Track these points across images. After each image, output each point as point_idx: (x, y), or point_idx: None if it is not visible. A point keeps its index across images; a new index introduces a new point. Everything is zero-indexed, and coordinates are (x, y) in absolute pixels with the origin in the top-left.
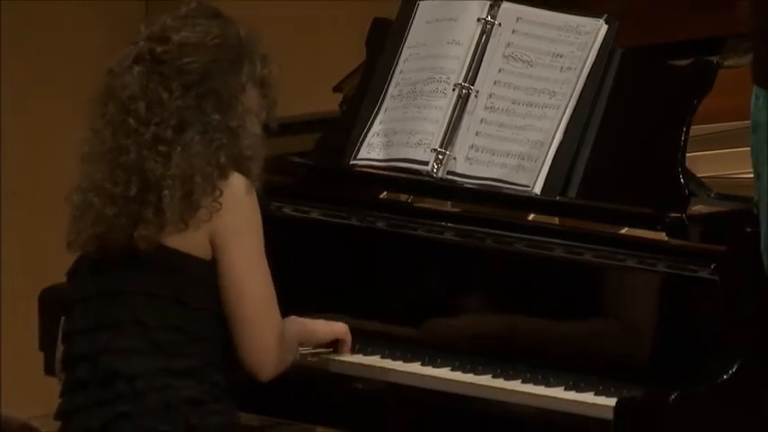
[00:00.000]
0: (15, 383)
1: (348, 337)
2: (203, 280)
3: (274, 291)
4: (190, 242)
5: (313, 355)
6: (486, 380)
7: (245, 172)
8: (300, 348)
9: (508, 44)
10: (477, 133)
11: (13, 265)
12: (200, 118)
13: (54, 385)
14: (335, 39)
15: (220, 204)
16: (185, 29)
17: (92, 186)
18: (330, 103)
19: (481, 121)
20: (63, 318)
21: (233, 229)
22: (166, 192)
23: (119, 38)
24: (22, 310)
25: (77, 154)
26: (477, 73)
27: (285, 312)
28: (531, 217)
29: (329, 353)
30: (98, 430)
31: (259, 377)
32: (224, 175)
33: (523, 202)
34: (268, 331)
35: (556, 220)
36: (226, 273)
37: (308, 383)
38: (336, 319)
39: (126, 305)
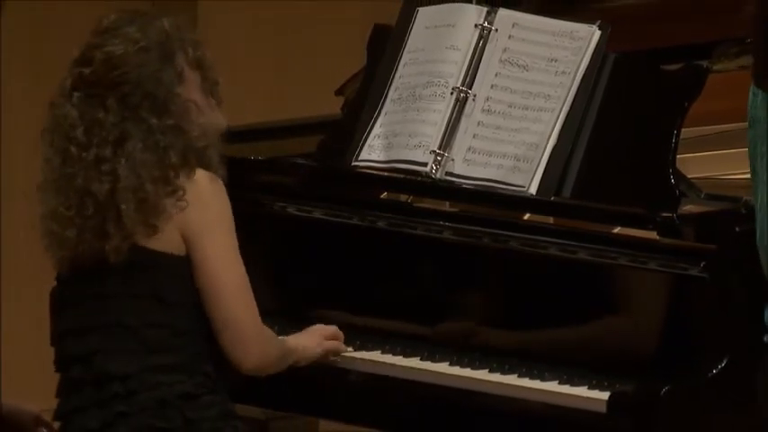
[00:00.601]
0: (20, 377)
1: (337, 344)
2: (180, 275)
3: (249, 283)
4: (163, 241)
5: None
6: (482, 374)
7: (204, 163)
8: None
9: (505, 49)
10: (474, 135)
11: (16, 262)
12: (138, 126)
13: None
14: (335, 38)
15: (187, 202)
16: (107, 44)
17: (48, 213)
18: (331, 105)
19: (478, 123)
20: (52, 320)
21: (203, 225)
22: (123, 206)
23: None
24: (24, 307)
25: None
26: (475, 77)
27: (287, 307)
28: (526, 216)
29: None
30: (97, 431)
31: (242, 368)
32: (187, 173)
33: (519, 202)
34: (245, 323)
35: (551, 220)
36: (200, 269)
37: (312, 377)
38: (337, 316)
39: (109, 308)
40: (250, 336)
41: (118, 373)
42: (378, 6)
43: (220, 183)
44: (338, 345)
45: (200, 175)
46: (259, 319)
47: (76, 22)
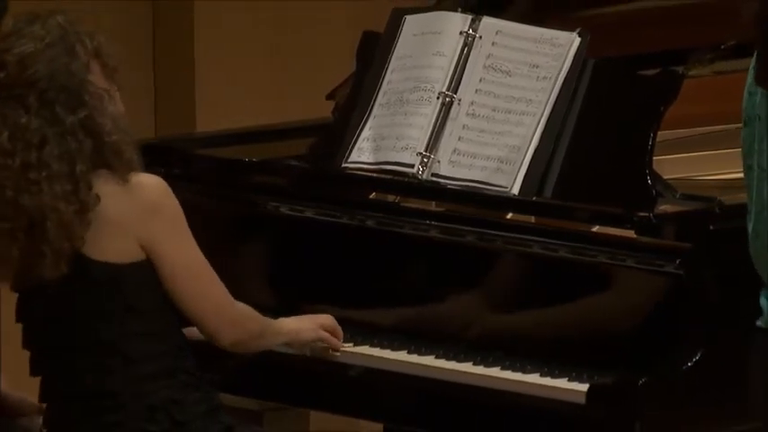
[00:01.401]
0: (20, 371)
1: (331, 339)
2: (145, 281)
3: (212, 270)
4: (122, 253)
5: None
6: (467, 367)
7: (118, 157)
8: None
9: (488, 55)
10: (459, 138)
11: None
12: (55, 129)
13: None
14: (332, 38)
15: (135, 212)
16: (16, 45)
17: None
18: (328, 104)
19: (463, 126)
20: (27, 343)
21: (162, 232)
22: (48, 224)
23: (126, 38)
24: None
25: None
26: (460, 82)
27: (280, 302)
28: (509, 216)
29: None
30: None
31: (221, 344)
32: (88, 183)
33: (502, 202)
34: (220, 306)
35: (532, 219)
36: (166, 272)
37: (304, 370)
38: (327, 311)
39: (84, 327)
40: (222, 317)
41: (105, 391)
42: (375, 6)
43: (163, 181)
44: (334, 339)
45: (145, 180)
46: (228, 299)
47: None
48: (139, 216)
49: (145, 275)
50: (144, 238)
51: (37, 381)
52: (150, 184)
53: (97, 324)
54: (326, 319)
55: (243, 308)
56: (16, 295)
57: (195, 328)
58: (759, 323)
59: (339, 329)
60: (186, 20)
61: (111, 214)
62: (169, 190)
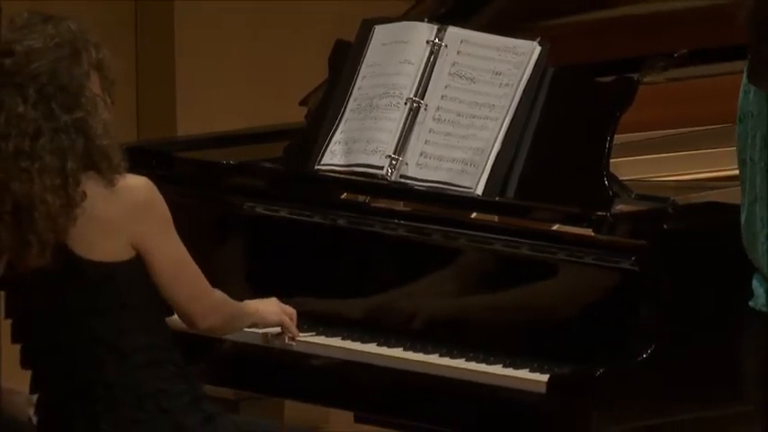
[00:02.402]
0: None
1: (291, 326)
2: (136, 278)
3: (192, 260)
4: (114, 253)
5: (274, 336)
6: (434, 358)
7: (107, 160)
8: (268, 331)
9: (453, 63)
10: (426, 141)
11: None
12: (50, 124)
13: None
14: (311, 38)
15: (127, 214)
16: (26, 38)
17: None
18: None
19: (430, 130)
20: (12, 325)
21: (150, 233)
22: (36, 214)
23: (110, 39)
24: None
25: None
26: (427, 88)
27: (256, 297)
28: (473, 215)
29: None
30: (84, 426)
31: (199, 329)
32: (77, 179)
33: (467, 202)
34: (201, 296)
35: (495, 218)
36: (154, 267)
37: (278, 361)
38: (301, 304)
39: (80, 325)
40: (202, 302)
41: (98, 382)
42: (354, 6)
43: (149, 182)
44: (294, 328)
45: (133, 181)
46: (208, 286)
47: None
48: (130, 216)
49: (136, 273)
50: (134, 237)
51: (21, 373)
52: (138, 185)
53: (92, 321)
54: (289, 308)
55: (219, 294)
56: None
57: (175, 319)
58: (751, 303)
59: (295, 314)
60: (167, 21)
61: (102, 215)
62: (155, 189)
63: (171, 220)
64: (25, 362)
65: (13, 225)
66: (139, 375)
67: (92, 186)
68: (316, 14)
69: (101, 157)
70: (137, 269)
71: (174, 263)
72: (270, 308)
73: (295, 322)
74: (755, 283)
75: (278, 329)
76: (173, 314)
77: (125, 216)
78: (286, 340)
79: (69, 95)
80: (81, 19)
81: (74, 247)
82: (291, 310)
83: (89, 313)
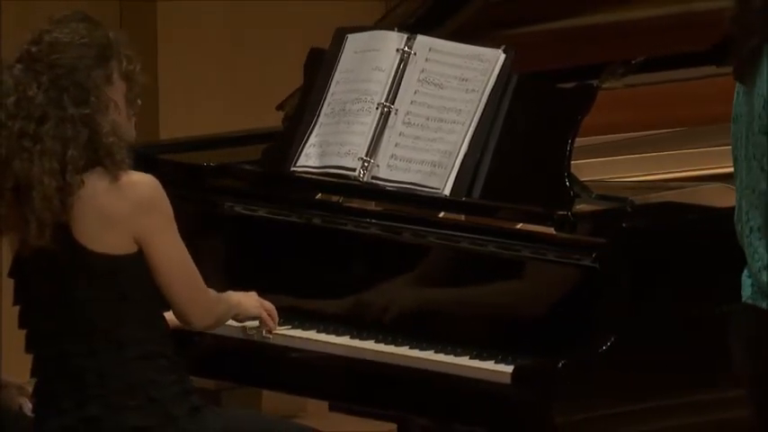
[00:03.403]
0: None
1: (268, 319)
2: (138, 273)
3: (192, 261)
4: (117, 246)
5: (252, 329)
6: (404, 350)
7: (110, 157)
8: (247, 324)
9: (422, 70)
10: (396, 144)
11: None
12: (57, 112)
13: None
14: (284, 54)
15: (131, 208)
16: (56, 31)
17: None
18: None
19: (400, 134)
20: (20, 312)
21: (154, 228)
22: (34, 193)
23: (97, 17)
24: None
25: None
26: (397, 94)
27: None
28: (441, 214)
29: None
30: (72, 409)
31: (195, 328)
32: (76, 167)
33: (435, 202)
34: (198, 297)
35: (462, 217)
36: (155, 262)
37: (257, 354)
38: (278, 299)
39: (81, 313)
40: (199, 303)
41: (93, 369)
42: (321, 29)
43: (155, 180)
44: (271, 321)
45: (138, 178)
46: (204, 287)
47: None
48: (134, 212)
49: (137, 268)
50: (138, 232)
51: (18, 362)
52: (143, 181)
53: (91, 310)
54: (267, 303)
55: (213, 294)
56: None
57: (168, 314)
58: (745, 299)
59: (275, 314)
60: (150, 22)
61: (106, 208)
62: (160, 188)
63: (173, 219)
64: (28, 347)
65: (14, 202)
66: (132, 365)
67: (96, 180)
68: (296, 16)
69: (105, 152)
70: (138, 264)
71: (174, 261)
72: (251, 301)
73: (275, 317)
74: (744, 276)
75: (256, 322)
76: (169, 310)
77: (128, 210)
78: (264, 333)
79: (82, 91)
80: (121, 32)
81: (78, 238)
82: (270, 305)
83: (89, 302)
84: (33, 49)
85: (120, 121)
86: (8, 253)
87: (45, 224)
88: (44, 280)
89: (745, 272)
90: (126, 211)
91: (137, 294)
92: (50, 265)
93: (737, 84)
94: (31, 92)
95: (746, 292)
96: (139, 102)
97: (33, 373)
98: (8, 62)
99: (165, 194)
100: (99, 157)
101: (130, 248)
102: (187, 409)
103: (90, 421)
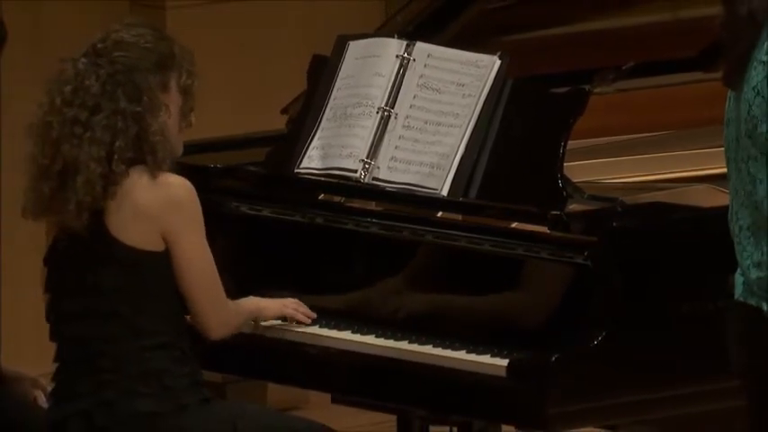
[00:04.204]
0: (17, 347)
1: (296, 314)
2: (162, 269)
3: (216, 270)
4: (146, 241)
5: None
6: (403, 345)
7: (153, 155)
8: (262, 323)
9: (421, 75)
10: (396, 147)
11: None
12: (110, 105)
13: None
14: (288, 61)
15: (163, 205)
16: (124, 31)
17: (28, 157)
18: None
19: (399, 137)
20: (48, 300)
21: (181, 227)
22: (78, 177)
23: (109, 24)
24: (23, 279)
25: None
26: (397, 99)
27: (242, 289)
28: (439, 214)
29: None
30: (89, 393)
31: (210, 337)
32: (122, 157)
33: (433, 202)
34: (215, 305)
35: (459, 217)
36: (179, 263)
37: (261, 348)
38: (281, 296)
39: (106, 299)
40: (218, 315)
41: (110, 353)
42: (323, 37)
43: (189, 183)
44: (299, 315)
45: (174, 179)
46: (225, 298)
47: (71, 22)
48: (165, 209)
49: (162, 264)
50: (166, 229)
51: (32, 355)
52: (177, 182)
53: (116, 299)
54: (290, 301)
55: (232, 306)
56: (15, 276)
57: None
58: (737, 296)
59: (304, 307)
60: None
61: (140, 203)
62: (194, 192)
63: (202, 224)
64: (52, 334)
65: (59, 183)
66: (148, 354)
67: (136, 175)
68: (300, 19)
69: (149, 149)
70: (163, 263)
71: (196, 265)
72: (270, 303)
73: (305, 310)
74: (737, 275)
75: (275, 322)
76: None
77: (159, 207)
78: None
79: (136, 90)
80: (188, 49)
81: (110, 227)
82: (292, 301)
83: (112, 290)
84: (99, 45)
85: (169, 124)
86: (10, 253)
87: (84, 207)
88: (74, 266)
89: (738, 271)
90: (157, 207)
91: (159, 290)
92: (81, 251)
93: (729, 90)
94: (89, 82)
95: (738, 290)
96: (193, 119)
97: (56, 358)
98: (77, 53)
99: (197, 199)
100: (143, 153)
101: (158, 246)
102: (198, 400)
103: (104, 405)
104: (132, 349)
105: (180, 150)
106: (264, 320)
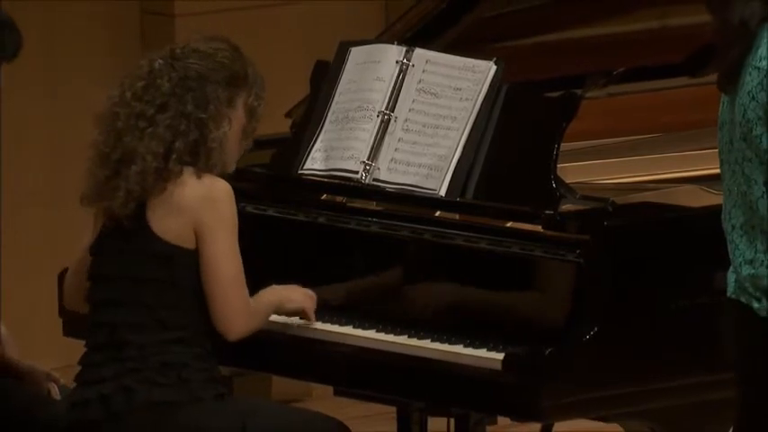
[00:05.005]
0: (30, 344)
1: (312, 307)
2: (190, 265)
3: (243, 273)
4: (179, 235)
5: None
6: (402, 339)
7: (208, 160)
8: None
9: (420, 80)
10: (395, 149)
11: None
12: (177, 106)
13: (67, 343)
14: (292, 67)
15: (200, 202)
16: (203, 44)
17: (92, 143)
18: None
19: (399, 140)
20: (89, 287)
21: (212, 223)
22: (134, 167)
23: (119, 40)
24: (47, 288)
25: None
26: (396, 103)
27: (248, 284)
28: (437, 213)
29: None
30: (111, 378)
31: (228, 338)
32: (179, 157)
33: (432, 202)
34: (235, 305)
35: (457, 216)
36: (205, 259)
37: (266, 342)
38: None
39: (136, 288)
40: (239, 316)
41: (135, 342)
42: (373, 6)
43: (230, 188)
44: (312, 313)
45: (217, 181)
46: (247, 303)
47: (79, 23)
48: (200, 204)
49: (192, 262)
50: (198, 224)
51: (42, 350)
52: (217, 184)
53: (145, 290)
54: (311, 295)
55: (254, 311)
56: (20, 271)
57: None
58: (729, 293)
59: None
60: (169, 35)
61: (178, 199)
62: (232, 196)
63: (234, 227)
64: (90, 324)
65: (113, 171)
66: (170, 346)
67: (185, 175)
68: (303, 21)
69: (204, 154)
70: (194, 261)
71: (222, 265)
72: (293, 294)
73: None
74: (729, 273)
75: (280, 318)
76: None
77: (196, 202)
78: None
79: (203, 98)
80: (261, 74)
81: (150, 220)
82: (312, 294)
83: (144, 280)
84: (177, 50)
85: (229, 136)
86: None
87: (132, 197)
88: (113, 255)
89: (730, 269)
90: (193, 202)
91: (186, 287)
92: (121, 241)
93: (722, 94)
94: (161, 81)
95: (730, 287)
96: (251, 143)
97: (86, 343)
98: (157, 54)
99: (233, 202)
100: (197, 156)
101: (190, 243)
102: (213, 395)
103: (123, 391)
104: (155, 341)
105: (233, 166)
106: (287, 312)
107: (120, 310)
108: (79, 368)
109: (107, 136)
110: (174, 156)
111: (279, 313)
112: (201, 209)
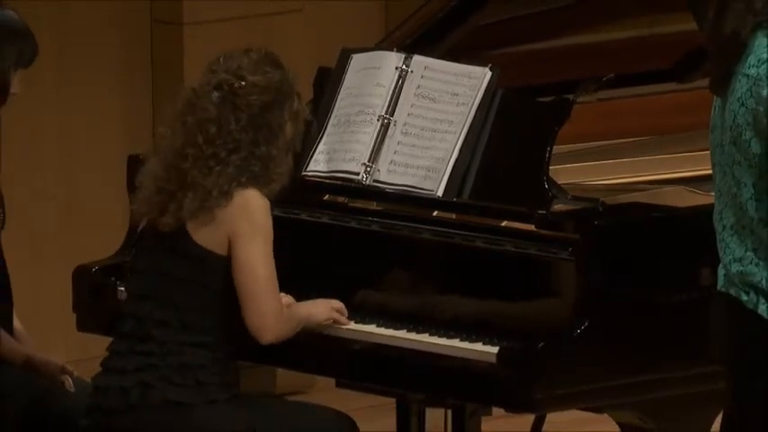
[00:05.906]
0: (46, 339)
1: (341, 317)
2: (221, 270)
3: (276, 281)
4: (213, 241)
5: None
6: (402, 333)
7: (259, 178)
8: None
9: (418, 86)
10: (395, 152)
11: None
12: (250, 147)
13: (80, 337)
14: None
15: (236, 211)
16: (257, 73)
17: (151, 174)
18: None
19: (398, 143)
20: (128, 278)
21: (245, 231)
22: (190, 195)
23: (129, 44)
24: (61, 285)
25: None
26: (396, 107)
27: None
28: (435, 213)
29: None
30: (131, 371)
31: (261, 342)
32: (240, 187)
33: (430, 202)
34: (269, 313)
35: (454, 216)
36: (242, 261)
37: None
38: (290, 291)
39: (167, 286)
40: (274, 317)
41: (158, 338)
42: (373, 6)
43: (268, 203)
44: (343, 318)
45: (254, 194)
46: (279, 309)
47: (91, 24)
48: (236, 212)
49: (221, 266)
50: (231, 231)
51: (54, 345)
52: (255, 197)
53: (175, 289)
54: (337, 303)
55: (287, 317)
56: (34, 268)
57: None
58: (719, 287)
59: (344, 309)
60: (177, 44)
61: (222, 214)
62: (267, 208)
63: (267, 237)
64: (120, 317)
65: (168, 196)
66: (190, 348)
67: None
68: (306, 27)
69: (260, 177)
70: (224, 264)
71: (255, 272)
72: (317, 309)
73: (344, 311)
74: (719, 269)
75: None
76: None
77: (229, 211)
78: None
79: (271, 132)
80: (292, 71)
81: (188, 227)
82: (339, 305)
83: (176, 280)
84: (236, 85)
85: (288, 163)
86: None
87: (177, 218)
88: (151, 250)
89: (720, 265)
90: (230, 210)
91: (214, 292)
92: (160, 239)
93: (714, 98)
94: (231, 126)
95: (720, 281)
96: (298, 146)
97: (116, 332)
98: (205, 84)
99: (269, 214)
100: (257, 181)
101: (223, 249)
102: (226, 397)
103: (141, 386)
104: (176, 341)
105: (288, 176)
106: (312, 325)
107: (150, 304)
108: (105, 354)
109: (169, 173)
110: (234, 192)
111: (308, 327)
112: (236, 217)
